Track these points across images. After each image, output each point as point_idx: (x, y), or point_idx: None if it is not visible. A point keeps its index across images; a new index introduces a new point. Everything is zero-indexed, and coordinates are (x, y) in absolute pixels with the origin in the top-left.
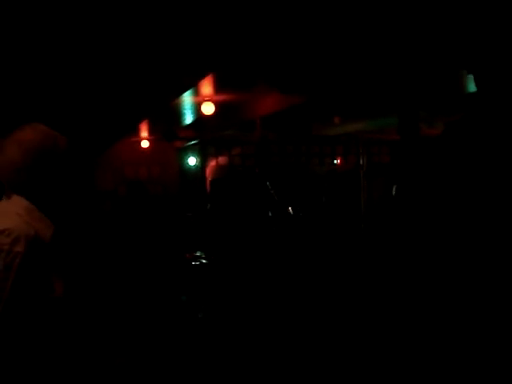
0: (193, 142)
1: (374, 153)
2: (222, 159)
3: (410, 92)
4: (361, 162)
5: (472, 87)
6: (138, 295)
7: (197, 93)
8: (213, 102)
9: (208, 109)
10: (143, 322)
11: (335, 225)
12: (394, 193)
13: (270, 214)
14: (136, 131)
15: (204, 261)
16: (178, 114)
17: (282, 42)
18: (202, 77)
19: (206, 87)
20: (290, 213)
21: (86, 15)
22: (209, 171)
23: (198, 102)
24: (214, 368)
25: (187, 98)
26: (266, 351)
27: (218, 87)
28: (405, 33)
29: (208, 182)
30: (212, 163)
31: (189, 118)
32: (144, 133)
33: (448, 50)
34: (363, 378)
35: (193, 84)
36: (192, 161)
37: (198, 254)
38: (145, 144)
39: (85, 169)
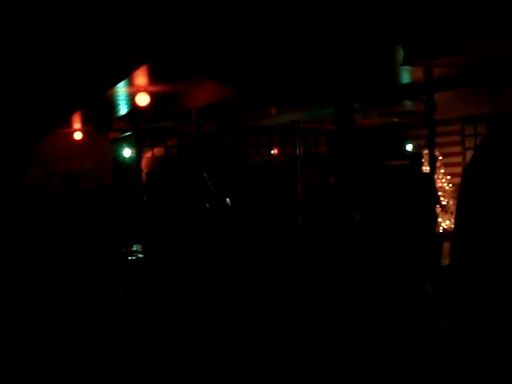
0: (127, 134)
1: (311, 143)
2: (158, 150)
3: (345, 83)
4: (298, 152)
5: (406, 78)
6: (73, 290)
7: (131, 83)
8: (148, 92)
9: (143, 100)
10: (78, 317)
11: (272, 215)
12: (332, 183)
13: (207, 206)
14: (68, 123)
15: (140, 255)
16: (111, 104)
17: (217, 32)
18: (137, 67)
19: (141, 78)
20: (227, 204)
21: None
22: (144, 163)
23: (133, 93)
24: (147, 362)
25: (121, 89)
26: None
27: (153, 78)
28: (339, 25)
29: (144, 174)
30: (148, 155)
31: (123, 109)
32: (77, 124)
33: (382, 41)
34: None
35: (127, 74)
36: (127, 152)
37: (134, 248)
38: (78, 136)
39: (15, 162)
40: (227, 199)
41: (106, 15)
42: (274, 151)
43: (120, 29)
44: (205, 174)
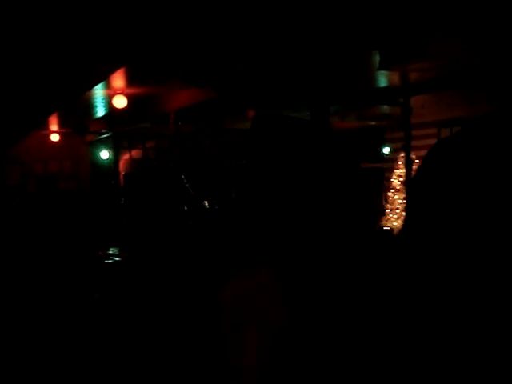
0: (105, 136)
1: None
2: (135, 153)
3: (322, 86)
4: None
5: (383, 82)
6: (48, 293)
7: (108, 86)
8: (125, 95)
9: (120, 102)
10: (53, 320)
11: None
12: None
13: (185, 208)
14: (45, 124)
15: (117, 258)
16: (89, 107)
17: (194, 35)
18: (114, 70)
19: (118, 80)
20: (205, 206)
21: None
22: (122, 165)
23: (110, 95)
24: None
25: (98, 91)
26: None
27: (131, 80)
28: (316, 29)
29: (122, 176)
30: (125, 157)
31: (101, 111)
32: (54, 126)
33: (358, 46)
34: None
35: (104, 77)
36: (105, 154)
37: (111, 251)
38: (55, 138)
39: None
40: (205, 202)
41: (83, 17)
42: None
43: (97, 31)
44: (183, 177)
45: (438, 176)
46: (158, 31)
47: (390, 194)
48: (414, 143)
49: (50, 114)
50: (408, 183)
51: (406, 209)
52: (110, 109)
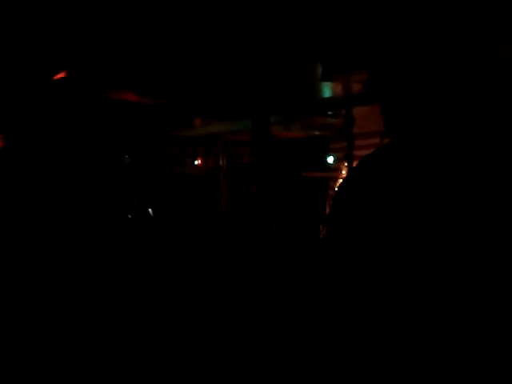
0: None
1: (234, 154)
2: None
3: (262, 96)
4: (221, 162)
5: (327, 92)
6: None
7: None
8: None
9: None
10: None
11: (195, 225)
12: (254, 193)
13: (129, 217)
14: None
15: None
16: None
17: (134, 42)
18: (54, 75)
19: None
20: (150, 215)
21: None
22: None
23: None
24: None
25: None
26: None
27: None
28: (259, 38)
29: None
30: None
31: None
32: None
33: (300, 58)
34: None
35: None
36: None
37: None
38: None
39: None
40: (149, 210)
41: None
42: (198, 162)
43: (38, 37)
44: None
45: (361, 184)
46: (99, 38)
47: None
48: (357, 153)
49: None
50: (335, 191)
51: (329, 216)
52: None
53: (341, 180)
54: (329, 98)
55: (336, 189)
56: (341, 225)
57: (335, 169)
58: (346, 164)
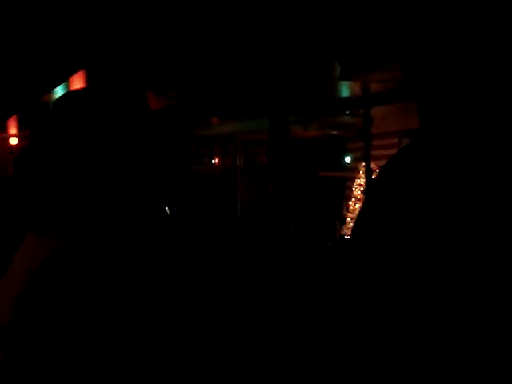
0: None
1: (251, 153)
2: None
3: (281, 95)
4: (238, 162)
5: (345, 92)
6: None
7: (68, 88)
8: None
9: None
10: None
11: (212, 224)
12: (271, 192)
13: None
14: (3, 127)
15: None
16: (48, 110)
17: (153, 41)
18: (73, 73)
19: (77, 84)
20: (166, 213)
21: None
22: None
23: None
24: None
25: (58, 95)
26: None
27: (90, 84)
28: (277, 38)
29: None
30: None
31: None
32: (12, 129)
33: (319, 57)
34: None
35: (63, 79)
36: None
37: None
38: (13, 141)
39: None
40: (166, 208)
41: (43, 19)
42: (215, 161)
43: (56, 33)
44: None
45: (395, 184)
46: (118, 35)
47: (350, 202)
48: (374, 153)
49: (8, 117)
50: (366, 189)
51: (360, 214)
52: None
53: (358, 180)
54: (347, 98)
55: (362, 189)
56: (375, 225)
57: (352, 168)
58: (363, 164)
